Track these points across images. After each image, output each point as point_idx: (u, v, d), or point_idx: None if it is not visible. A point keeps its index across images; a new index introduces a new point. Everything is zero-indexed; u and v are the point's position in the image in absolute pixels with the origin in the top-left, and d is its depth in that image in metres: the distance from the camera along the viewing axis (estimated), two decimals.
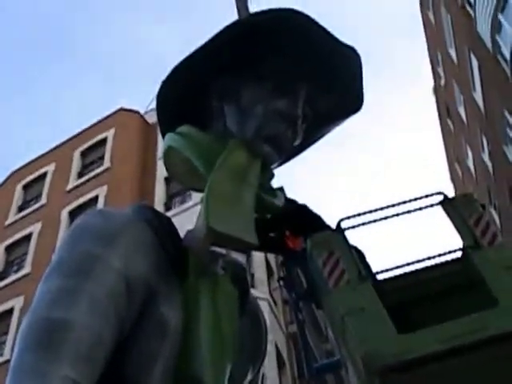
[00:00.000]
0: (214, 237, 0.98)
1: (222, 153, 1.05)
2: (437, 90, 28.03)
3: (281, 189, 1.13)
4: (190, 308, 0.95)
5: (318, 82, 1.14)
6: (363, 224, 0.99)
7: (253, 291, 16.04)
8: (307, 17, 1.08)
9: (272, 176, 1.14)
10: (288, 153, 1.13)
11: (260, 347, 1.14)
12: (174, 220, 1.05)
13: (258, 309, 1.15)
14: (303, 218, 1.09)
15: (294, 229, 1.08)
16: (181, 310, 0.94)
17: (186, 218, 15.16)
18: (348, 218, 1.00)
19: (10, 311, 19.08)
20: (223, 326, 0.95)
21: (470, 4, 16.94)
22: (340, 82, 1.16)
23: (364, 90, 1.19)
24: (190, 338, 0.92)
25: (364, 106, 1.22)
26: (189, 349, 0.91)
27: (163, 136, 1.16)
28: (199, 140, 1.08)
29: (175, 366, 0.91)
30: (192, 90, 1.14)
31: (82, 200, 21.09)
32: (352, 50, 1.14)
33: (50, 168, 23.87)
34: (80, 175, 22.68)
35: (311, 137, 1.23)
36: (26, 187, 24.10)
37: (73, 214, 20.69)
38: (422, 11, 26.60)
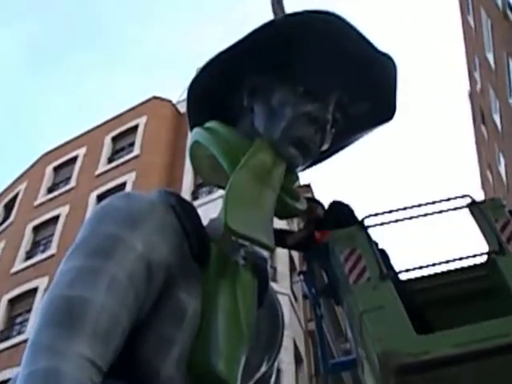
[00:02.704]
0: (231, 235, 0.97)
1: (247, 152, 1.05)
2: (472, 95, 27.68)
3: (308, 185, 1.13)
4: (209, 296, 0.95)
5: (350, 88, 1.12)
6: (388, 222, 0.98)
7: (274, 285, 15.98)
8: (344, 20, 1.06)
9: (296, 179, 1.12)
10: (314, 157, 1.12)
11: (276, 339, 1.14)
12: (199, 210, 1.05)
13: (276, 301, 1.15)
14: (333, 213, 1.08)
15: (324, 223, 1.07)
16: (199, 297, 0.95)
17: (213, 209, 15.20)
18: (373, 215, 0.99)
19: (35, 290, 19.36)
20: (241, 316, 0.95)
21: (511, 9, 16.67)
22: (374, 90, 1.14)
23: (397, 100, 1.17)
24: (207, 325, 0.92)
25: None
26: (205, 336, 0.92)
27: (191, 129, 1.16)
28: (226, 137, 1.08)
29: (190, 352, 0.91)
30: (224, 85, 1.14)
31: (110, 185, 21.27)
32: (388, 57, 1.12)
33: (81, 152, 24.10)
34: (110, 160, 22.86)
35: (340, 143, 1.21)
36: (56, 169, 24.37)
37: (101, 199, 20.86)
38: (461, 15, 26.27)
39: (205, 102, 1.16)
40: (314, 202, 1.12)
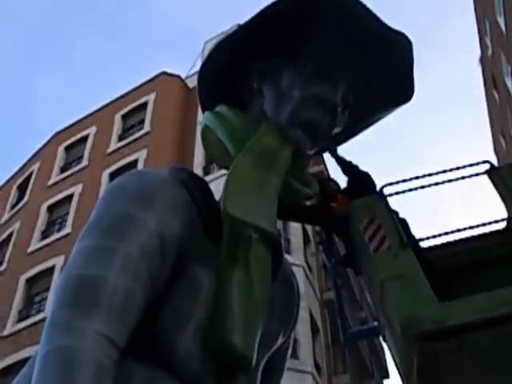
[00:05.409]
0: (230, 221, 0.96)
1: (253, 136, 1.03)
2: (483, 60, 27.34)
3: (334, 150, 1.12)
4: (223, 270, 0.95)
5: (363, 69, 1.09)
6: (407, 190, 0.98)
7: (288, 257, 16.09)
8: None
9: (307, 162, 1.10)
10: (325, 140, 1.09)
11: (292, 312, 1.14)
12: (211, 185, 1.05)
13: (291, 274, 1.15)
14: (352, 183, 1.07)
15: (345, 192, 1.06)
16: (214, 271, 0.95)
17: None
18: (391, 184, 0.99)
19: (52, 269, 19.56)
20: (255, 290, 0.95)
21: None
22: (388, 71, 1.11)
23: (414, 80, 1.13)
24: (222, 300, 0.93)
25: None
26: (220, 311, 0.92)
27: (203, 113, 1.15)
28: (232, 121, 1.07)
29: (206, 327, 0.92)
30: (234, 68, 1.12)
31: (122, 163, 21.32)
32: (403, 36, 1.08)
33: (92, 130, 24.13)
34: (120, 138, 22.88)
35: (359, 125, 1.19)
36: (67, 149, 24.45)
37: (113, 176, 20.95)
38: None
39: (215, 85, 1.14)
40: (325, 179, 1.11)
